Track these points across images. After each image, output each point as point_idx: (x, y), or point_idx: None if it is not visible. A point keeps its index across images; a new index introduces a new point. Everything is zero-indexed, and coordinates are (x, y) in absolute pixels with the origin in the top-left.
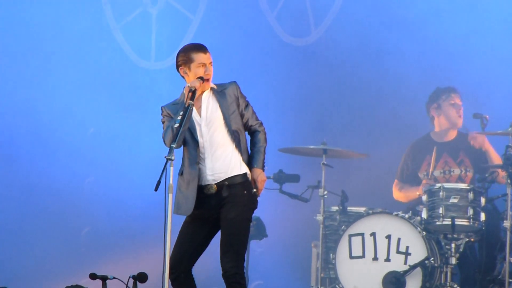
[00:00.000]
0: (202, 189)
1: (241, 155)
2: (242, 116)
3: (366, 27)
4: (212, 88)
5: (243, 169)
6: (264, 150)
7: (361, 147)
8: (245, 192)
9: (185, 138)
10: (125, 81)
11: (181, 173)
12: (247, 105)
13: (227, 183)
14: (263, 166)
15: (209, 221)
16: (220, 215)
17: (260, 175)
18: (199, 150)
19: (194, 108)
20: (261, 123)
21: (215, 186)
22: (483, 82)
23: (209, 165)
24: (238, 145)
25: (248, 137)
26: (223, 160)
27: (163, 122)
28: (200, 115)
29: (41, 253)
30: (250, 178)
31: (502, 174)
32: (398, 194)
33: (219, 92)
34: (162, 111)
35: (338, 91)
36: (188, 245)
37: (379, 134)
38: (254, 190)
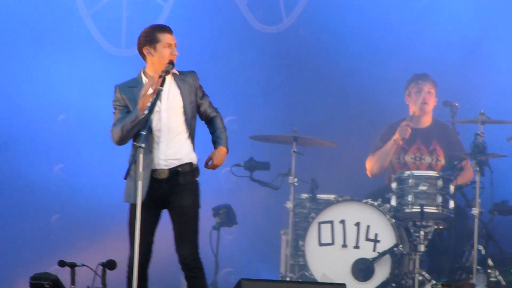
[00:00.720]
0: (152, 173)
1: (192, 143)
2: (199, 106)
3: (337, 15)
4: (173, 74)
5: (193, 157)
6: (225, 131)
7: (332, 135)
8: (196, 179)
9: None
10: (95, 68)
11: (134, 162)
12: (204, 94)
13: (180, 169)
14: (227, 145)
15: (157, 208)
16: (173, 202)
17: (221, 151)
18: (154, 134)
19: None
20: (217, 110)
21: (167, 171)
22: (454, 70)
23: (163, 149)
24: (192, 134)
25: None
26: (178, 147)
27: (114, 107)
28: (160, 100)
29: (10, 240)
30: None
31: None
32: (373, 165)
33: (181, 80)
34: (116, 91)
35: (309, 79)
36: (147, 236)
37: (350, 123)
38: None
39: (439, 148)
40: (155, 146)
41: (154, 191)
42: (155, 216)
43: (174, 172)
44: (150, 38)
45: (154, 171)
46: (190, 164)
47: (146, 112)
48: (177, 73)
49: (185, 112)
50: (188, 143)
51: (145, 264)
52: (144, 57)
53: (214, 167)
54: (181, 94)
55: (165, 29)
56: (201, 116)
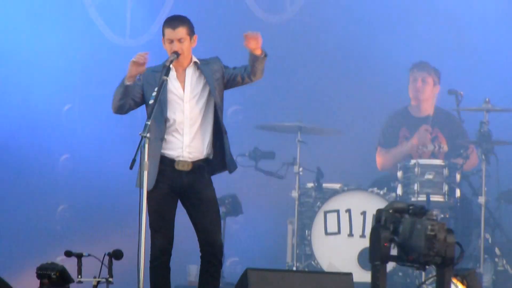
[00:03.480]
0: (173, 163)
1: (213, 136)
2: (230, 76)
3: (341, 4)
4: (195, 62)
5: (211, 152)
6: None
7: (336, 124)
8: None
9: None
10: (100, 58)
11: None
12: (231, 67)
13: (201, 163)
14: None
15: (176, 198)
16: (196, 194)
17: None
18: (176, 126)
19: (175, 83)
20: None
21: (191, 164)
22: (459, 58)
23: (186, 141)
24: (217, 124)
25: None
26: (201, 140)
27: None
28: (183, 90)
29: (16, 230)
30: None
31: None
32: (384, 161)
33: (203, 65)
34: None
35: (314, 68)
36: (170, 227)
37: (355, 111)
38: None
39: (441, 135)
40: (178, 137)
41: (175, 181)
42: (175, 204)
43: (198, 165)
44: (162, 31)
45: (177, 162)
46: (209, 158)
47: (151, 102)
48: (198, 61)
49: (212, 94)
50: (210, 135)
51: (170, 251)
52: None
53: (256, 38)
54: (206, 77)
55: (168, 23)
56: (239, 79)
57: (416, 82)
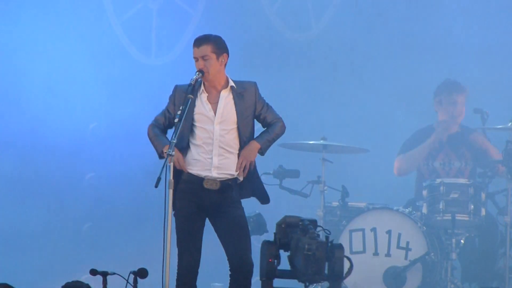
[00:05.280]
0: (201, 181)
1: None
2: (259, 117)
3: (367, 21)
4: (232, 87)
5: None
6: (274, 135)
7: (361, 142)
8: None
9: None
10: (126, 77)
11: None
12: (264, 106)
13: (230, 183)
14: (263, 145)
15: (204, 217)
16: (226, 213)
17: (250, 145)
18: (204, 146)
19: (206, 105)
20: (281, 118)
21: (219, 183)
22: (484, 76)
23: (215, 162)
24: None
25: None
26: (229, 161)
27: (169, 101)
28: (214, 112)
29: (42, 249)
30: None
31: (502, 169)
32: (401, 166)
33: (238, 94)
34: (174, 90)
35: (338, 86)
36: (197, 246)
37: (379, 129)
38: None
39: (467, 153)
40: (206, 157)
41: (203, 200)
42: (203, 223)
43: (226, 185)
44: None
45: (206, 181)
46: (237, 179)
47: (176, 120)
48: (234, 85)
49: (238, 129)
50: (236, 158)
51: (196, 271)
52: None
53: (241, 163)
54: (236, 110)
55: (194, 42)
56: (262, 125)
57: (456, 105)
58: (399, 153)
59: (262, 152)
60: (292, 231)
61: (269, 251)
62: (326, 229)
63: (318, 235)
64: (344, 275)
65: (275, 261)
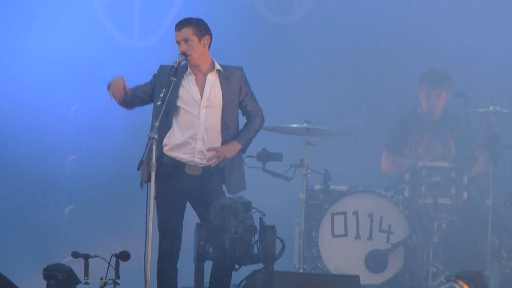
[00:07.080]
0: (183, 167)
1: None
2: (241, 103)
3: (350, 6)
4: (218, 70)
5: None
6: (254, 132)
7: (344, 125)
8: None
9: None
10: (108, 59)
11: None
12: (248, 93)
13: (211, 169)
14: (245, 145)
15: (185, 201)
16: (208, 202)
17: (232, 144)
18: (191, 129)
19: (193, 87)
20: (261, 110)
21: (201, 168)
22: (467, 60)
23: (199, 147)
24: (226, 135)
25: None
26: (216, 146)
27: (152, 77)
28: (201, 95)
29: (23, 232)
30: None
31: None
32: (388, 166)
33: (224, 78)
34: (159, 69)
35: (322, 70)
36: (178, 229)
37: (363, 113)
38: None
39: (450, 139)
40: (190, 141)
41: (184, 185)
42: (184, 207)
43: (208, 171)
44: None
45: (187, 167)
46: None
47: (158, 103)
48: (221, 69)
49: (223, 112)
50: (220, 143)
51: (177, 253)
52: None
53: (219, 155)
54: (222, 93)
55: (175, 26)
56: (243, 113)
57: (430, 97)
58: (386, 146)
59: (243, 151)
60: (226, 213)
61: (200, 233)
62: (261, 211)
63: (250, 218)
64: (276, 256)
65: (207, 243)
